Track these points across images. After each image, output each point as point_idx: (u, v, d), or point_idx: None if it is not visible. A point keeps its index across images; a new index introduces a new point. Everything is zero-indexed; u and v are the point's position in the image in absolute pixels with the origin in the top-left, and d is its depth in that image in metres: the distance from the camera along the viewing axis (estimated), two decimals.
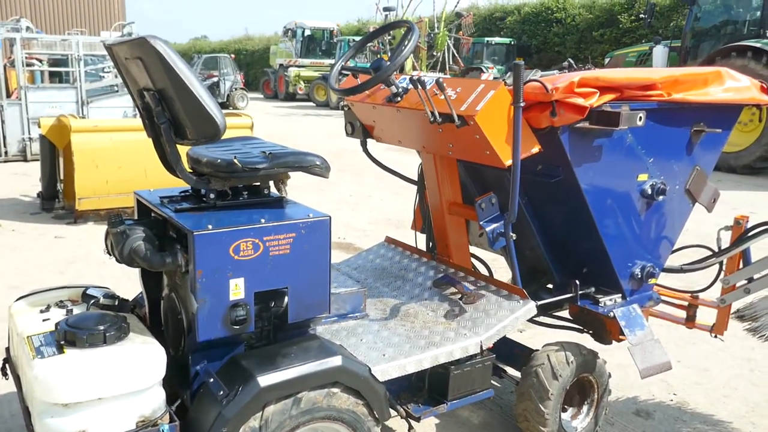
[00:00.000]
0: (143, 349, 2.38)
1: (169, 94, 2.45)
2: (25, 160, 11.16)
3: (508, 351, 3.55)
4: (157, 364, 2.36)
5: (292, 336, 2.73)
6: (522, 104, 2.77)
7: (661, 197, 3.37)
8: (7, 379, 2.71)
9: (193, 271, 2.37)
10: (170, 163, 2.63)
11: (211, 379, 2.47)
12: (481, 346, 2.94)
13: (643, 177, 3.35)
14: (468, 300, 3.17)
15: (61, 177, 7.96)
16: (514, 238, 3.12)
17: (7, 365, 2.74)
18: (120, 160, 7.48)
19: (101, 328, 2.35)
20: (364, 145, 3.75)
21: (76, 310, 2.63)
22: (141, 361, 2.32)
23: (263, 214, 2.59)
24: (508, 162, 2.87)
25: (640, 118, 3.03)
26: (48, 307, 2.67)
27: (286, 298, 2.60)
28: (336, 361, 2.52)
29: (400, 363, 2.73)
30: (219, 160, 2.58)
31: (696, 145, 3.51)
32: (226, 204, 2.67)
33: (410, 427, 2.93)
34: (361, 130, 3.63)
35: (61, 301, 2.73)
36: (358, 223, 7.85)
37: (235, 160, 2.56)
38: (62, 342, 2.31)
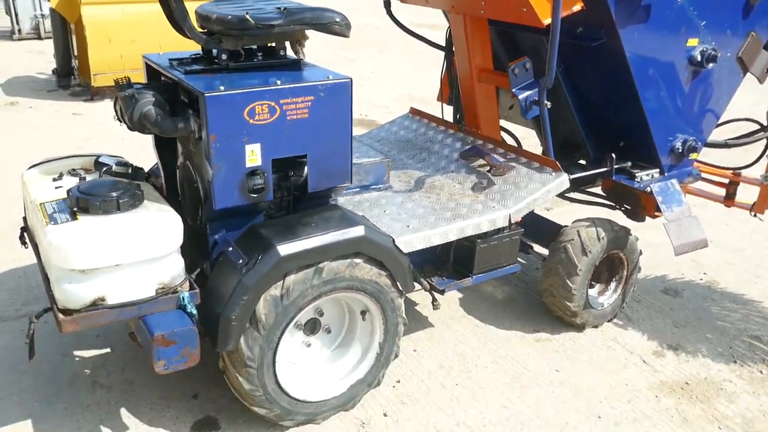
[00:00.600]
0: (159, 216, 2.29)
1: None
2: (39, 37, 10.84)
3: (535, 227, 3.43)
4: (174, 230, 2.27)
5: (312, 206, 2.62)
6: None
7: (710, 65, 3.10)
8: (26, 247, 2.67)
9: (207, 136, 2.23)
10: (177, 21, 2.42)
11: (230, 248, 2.40)
12: (510, 219, 2.82)
13: (692, 42, 3.07)
14: (497, 172, 3.02)
15: (75, 53, 7.72)
16: (549, 106, 2.91)
17: (25, 234, 2.69)
18: (133, 34, 7.18)
19: (114, 194, 2.25)
20: (387, 6, 3.47)
21: (89, 178, 2.53)
22: (157, 227, 2.24)
23: (280, 76, 2.41)
24: (547, 20, 2.61)
25: None
26: (60, 175, 2.58)
27: (305, 166, 2.47)
28: (358, 231, 2.42)
29: (425, 234, 2.63)
30: (230, 17, 2.37)
31: (754, 8, 3.18)
32: (240, 65, 2.49)
33: (434, 300, 2.87)
34: None
35: (74, 170, 2.62)
36: (380, 99, 7.60)
37: (247, 17, 2.34)
38: (75, 209, 2.23)
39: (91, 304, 2.15)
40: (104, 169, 2.56)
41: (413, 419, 2.66)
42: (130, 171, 2.60)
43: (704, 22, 3.04)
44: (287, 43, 2.60)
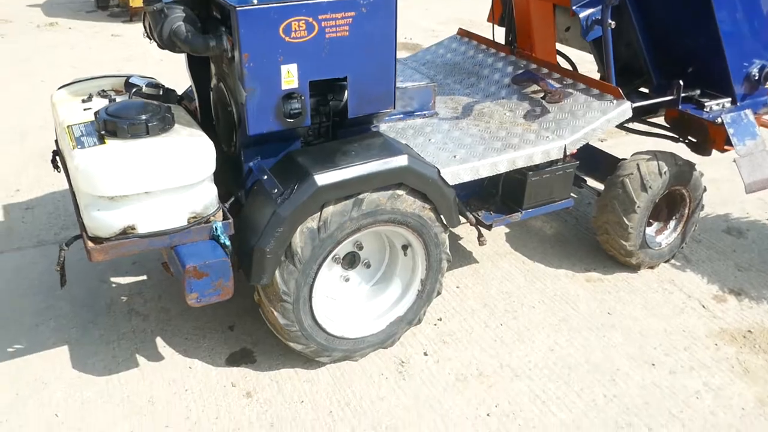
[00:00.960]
0: (190, 141, 2.15)
1: None
2: None
3: (589, 159, 3.21)
4: (206, 157, 2.14)
5: (353, 133, 2.45)
6: None
7: None
8: (58, 171, 2.58)
9: (239, 55, 2.06)
10: None
11: (265, 176, 2.26)
12: (565, 151, 2.61)
13: None
14: (552, 98, 2.78)
15: None
16: (613, 26, 2.63)
17: (57, 157, 2.60)
18: None
19: (143, 117, 2.12)
20: None
21: (119, 100, 2.39)
22: (188, 153, 2.10)
23: None
24: None
25: None
26: (90, 97, 2.44)
27: (346, 90, 2.29)
28: (401, 160, 2.25)
29: (472, 165, 2.45)
30: None
31: None
32: None
33: (480, 235, 2.71)
34: None
35: (104, 90, 2.49)
36: (426, 22, 7.25)
37: None
38: (102, 132, 2.10)
39: (120, 232, 2.05)
40: (134, 90, 2.42)
41: (454, 359, 2.55)
42: (161, 93, 2.46)
43: None
44: None
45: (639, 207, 2.89)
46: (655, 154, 2.95)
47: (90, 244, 2.03)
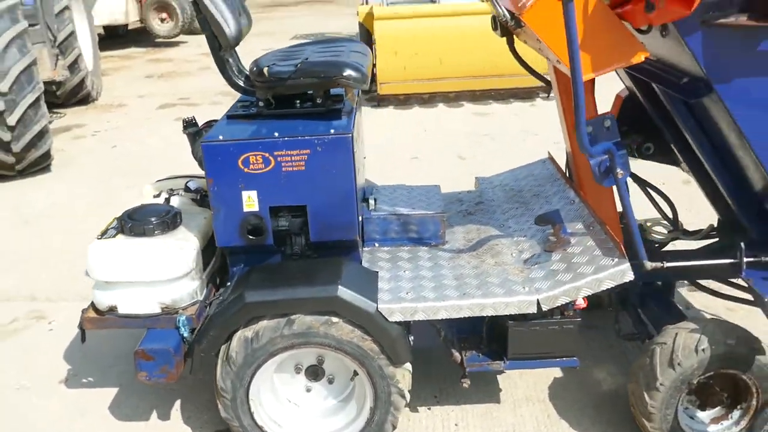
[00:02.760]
0: (175, 244, 2.58)
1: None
2: None
3: (658, 304, 2.80)
4: (185, 259, 2.54)
5: (332, 254, 2.62)
6: None
7: None
8: None
9: (207, 179, 2.44)
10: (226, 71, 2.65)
11: (229, 283, 2.57)
12: (539, 305, 2.38)
13: None
14: (549, 247, 2.55)
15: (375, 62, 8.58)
16: (623, 175, 2.33)
17: None
18: (417, 47, 7.69)
19: (149, 220, 2.62)
20: (510, 44, 3.13)
21: (174, 199, 2.95)
22: (166, 254, 2.54)
23: (293, 126, 2.47)
24: (589, 75, 2.11)
25: None
26: (159, 193, 3.06)
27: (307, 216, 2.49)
28: (332, 290, 2.35)
29: (431, 306, 2.39)
30: (254, 69, 2.51)
31: None
32: (272, 112, 2.61)
33: (463, 376, 2.60)
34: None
35: (173, 189, 3.08)
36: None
37: (265, 70, 2.46)
38: (119, 229, 2.66)
39: (107, 310, 2.57)
40: (172, 192, 2.95)
41: None
42: (199, 197, 2.95)
43: None
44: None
45: (662, 385, 2.43)
46: (707, 324, 2.46)
47: (87, 313, 2.59)
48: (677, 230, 3.03)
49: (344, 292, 2.36)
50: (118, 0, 12.37)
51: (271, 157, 2.38)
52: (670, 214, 3.03)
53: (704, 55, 2.05)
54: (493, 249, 2.74)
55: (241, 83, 2.64)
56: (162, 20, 13.20)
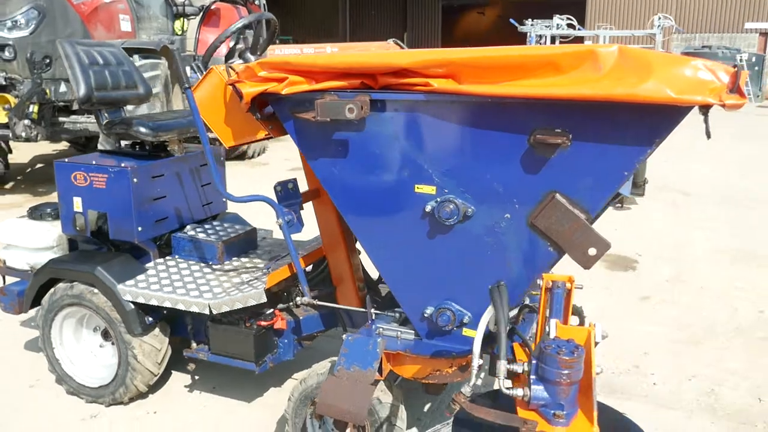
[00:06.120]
0: (46, 226, 3.90)
1: None
2: None
3: None
4: (46, 238, 3.85)
5: (130, 252, 3.71)
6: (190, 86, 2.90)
7: (451, 221, 2.61)
8: None
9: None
10: None
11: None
12: (210, 310, 3.21)
13: (424, 189, 2.67)
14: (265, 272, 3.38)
15: None
16: (282, 224, 3.10)
17: None
18: None
19: (41, 211, 3.99)
20: None
21: None
22: (40, 232, 3.87)
23: (107, 158, 3.66)
24: (230, 143, 2.99)
25: (351, 109, 2.55)
26: None
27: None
28: (92, 269, 3.45)
29: (144, 293, 3.37)
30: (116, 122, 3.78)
31: (550, 161, 2.50)
32: (128, 152, 3.84)
33: (191, 361, 3.50)
34: None
35: None
36: None
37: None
38: (29, 214, 4.06)
39: (2, 262, 3.97)
40: None
41: None
42: None
43: (443, 169, 2.62)
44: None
45: (293, 396, 3.08)
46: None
47: None
48: None
49: (100, 272, 3.45)
50: None
51: (88, 176, 3.59)
52: None
53: (299, 139, 2.82)
54: (249, 263, 3.60)
55: (104, 131, 3.91)
56: None
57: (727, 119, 15.99)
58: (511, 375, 2.05)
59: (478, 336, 2.00)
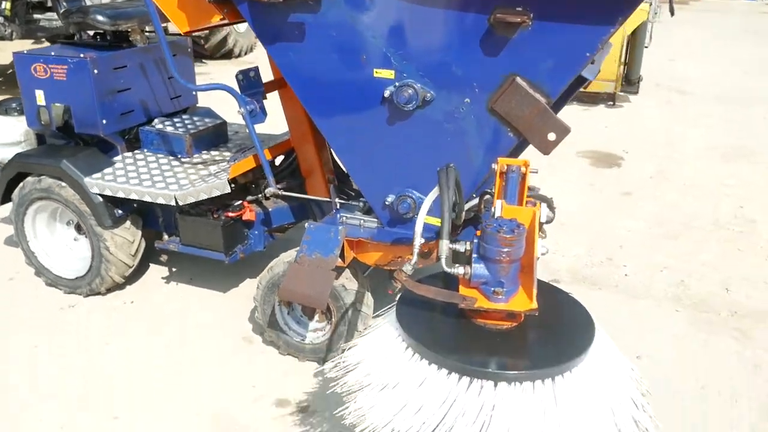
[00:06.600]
0: (10, 121, 3.85)
1: None
2: None
3: None
4: (12, 133, 3.81)
5: (97, 146, 3.66)
6: None
7: (410, 106, 2.55)
8: None
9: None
10: None
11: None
12: (176, 201, 3.20)
13: (383, 74, 2.59)
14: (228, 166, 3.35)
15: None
16: (245, 112, 3.03)
17: None
18: None
19: (13, 105, 3.92)
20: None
21: None
22: (3, 127, 3.82)
23: (67, 49, 3.55)
24: (186, 29, 2.88)
25: None
26: None
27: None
28: (59, 162, 3.42)
29: (111, 185, 3.35)
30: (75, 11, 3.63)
31: (510, 42, 2.40)
32: (89, 43, 3.71)
33: (163, 253, 3.53)
34: None
35: None
36: None
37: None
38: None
39: None
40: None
41: None
42: None
43: (400, 51, 2.53)
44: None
45: (261, 284, 3.12)
46: None
47: None
48: None
49: (66, 165, 3.42)
50: None
51: (48, 68, 3.49)
52: None
53: (253, 23, 2.70)
54: (212, 162, 3.57)
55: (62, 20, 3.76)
56: None
57: (733, 18, 15.44)
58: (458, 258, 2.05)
59: (420, 215, 1.98)
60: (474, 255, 1.92)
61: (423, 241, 2.02)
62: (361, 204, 3.05)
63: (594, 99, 7.65)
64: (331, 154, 3.51)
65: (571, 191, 5.07)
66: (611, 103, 7.68)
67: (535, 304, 1.86)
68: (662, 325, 3.46)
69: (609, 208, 4.94)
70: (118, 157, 3.63)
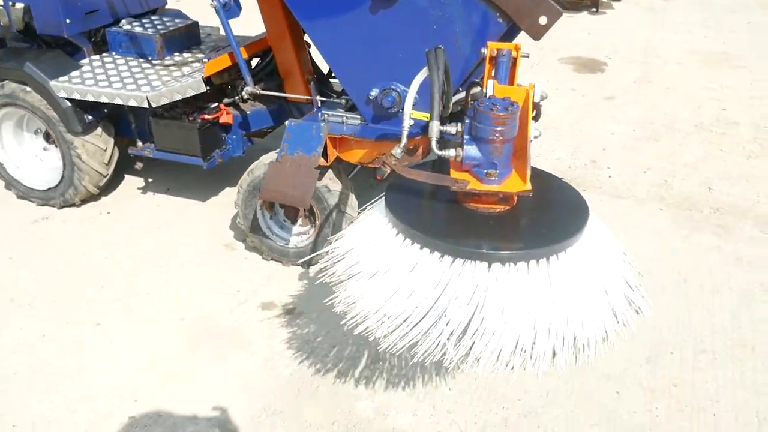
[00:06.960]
0: None
1: None
2: None
3: None
4: None
5: (63, 48, 3.45)
6: None
7: None
8: None
9: None
10: None
11: None
12: (149, 102, 3.05)
13: None
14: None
15: None
16: (217, 5, 2.87)
17: None
18: None
19: None
20: None
21: None
22: None
23: None
24: None
25: None
26: None
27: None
28: (22, 65, 3.23)
29: (79, 88, 3.18)
30: None
31: None
32: None
33: (138, 161, 3.40)
34: None
35: None
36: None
37: None
38: None
39: None
40: None
41: None
42: None
43: None
44: None
45: (241, 188, 3.03)
46: None
47: None
48: None
49: (29, 68, 3.23)
50: None
51: None
52: None
53: None
54: (184, 64, 3.40)
55: None
56: None
57: None
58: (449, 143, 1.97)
59: (409, 95, 1.89)
60: (466, 136, 1.84)
61: (412, 122, 1.94)
62: (344, 101, 2.93)
63: (577, 5, 7.44)
64: (309, 54, 3.37)
65: (553, 96, 4.97)
66: (594, 9, 7.49)
67: (529, 186, 1.81)
68: (646, 223, 3.46)
69: (592, 112, 4.87)
70: (85, 60, 3.43)
